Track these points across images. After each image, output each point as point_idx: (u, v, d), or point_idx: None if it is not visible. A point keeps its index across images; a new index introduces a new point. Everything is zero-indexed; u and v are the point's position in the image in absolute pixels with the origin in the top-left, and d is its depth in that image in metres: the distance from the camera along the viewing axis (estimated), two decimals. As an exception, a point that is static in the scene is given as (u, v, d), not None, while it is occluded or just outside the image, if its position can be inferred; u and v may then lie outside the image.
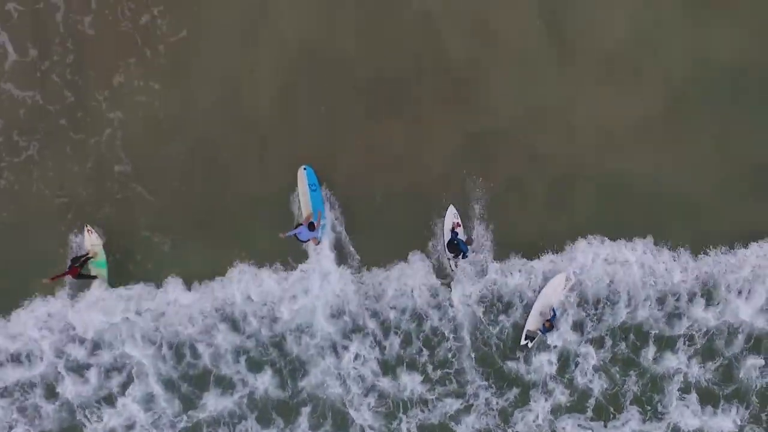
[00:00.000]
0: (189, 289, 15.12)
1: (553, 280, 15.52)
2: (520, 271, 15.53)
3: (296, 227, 14.64)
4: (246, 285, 15.13)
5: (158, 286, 15.10)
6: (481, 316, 15.60)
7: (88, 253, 14.73)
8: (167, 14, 14.86)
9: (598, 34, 15.47)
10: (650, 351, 15.73)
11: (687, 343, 15.78)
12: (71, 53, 14.79)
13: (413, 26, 15.29)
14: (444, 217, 15.50)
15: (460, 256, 15.30)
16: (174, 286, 15.06)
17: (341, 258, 15.43)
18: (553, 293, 15.53)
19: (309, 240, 14.92)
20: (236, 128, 15.13)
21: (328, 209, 15.31)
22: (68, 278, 14.50)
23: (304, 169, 15.07)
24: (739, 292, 15.70)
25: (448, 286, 15.56)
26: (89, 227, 14.77)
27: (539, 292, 15.55)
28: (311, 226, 14.45)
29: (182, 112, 15.08)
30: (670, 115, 15.58)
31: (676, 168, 15.62)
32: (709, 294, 15.70)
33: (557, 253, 15.62)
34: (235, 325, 15.28)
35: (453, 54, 15.36)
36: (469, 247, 15.15)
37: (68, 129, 14.89)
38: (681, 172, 15.61)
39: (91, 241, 14.80)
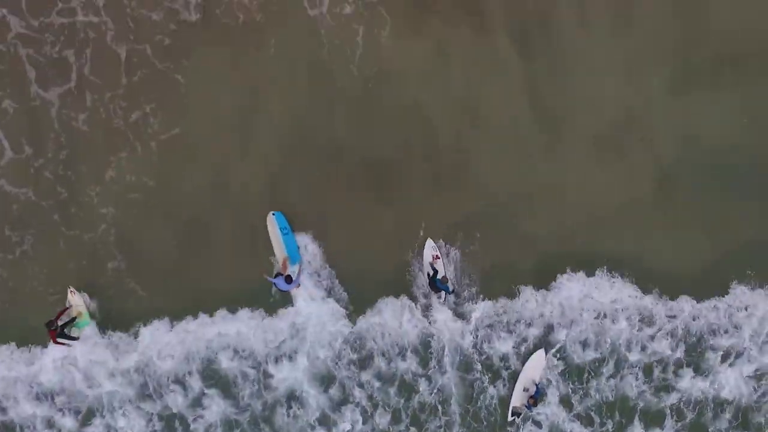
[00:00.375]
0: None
1: (533, 357, 15.78)
2: (511, 332, 15.83)
3: (275, 276, 14.62)
4: (231, 341, 15.44)
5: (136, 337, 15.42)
6: (478, 369, 15.94)
7: (67, 312, 14.67)
8: (159, 112, 15.13)
9: (587, 117, 15.83)
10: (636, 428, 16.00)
11: (675, 417, 16.06)
12: (65, 149, 14.99)
13: (405, 112, 15.64)
14: (423, 252, 15.61)
15: (443, 293, 15.47)
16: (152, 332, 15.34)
17: (325, 310, 15.62)
18: (535, 369, 15.78)
19: (288, 290, 14.96)
20: (229, 218, 15.36)
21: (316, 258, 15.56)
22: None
23: (273, 214, 15.08)
24: (725, 356, 16.03)
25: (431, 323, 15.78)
26: (72, 289, 14.81)
27: (523, 365, 15.81)
28: (288, 279, 14.38)
29: (175, 206, 15.28)
30: (658, 195, 15.98)
31: (664, 246, 15.96)
32: (696, 364, 16.08)
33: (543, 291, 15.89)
34: (225, 393, 15.61)
35: (442, 138, 15.73)
36: (448, 285, 15.25)
37: (61, 224, 15.05)
38: (669, 250, 15.95)
39: (74, 301, 14.80)
